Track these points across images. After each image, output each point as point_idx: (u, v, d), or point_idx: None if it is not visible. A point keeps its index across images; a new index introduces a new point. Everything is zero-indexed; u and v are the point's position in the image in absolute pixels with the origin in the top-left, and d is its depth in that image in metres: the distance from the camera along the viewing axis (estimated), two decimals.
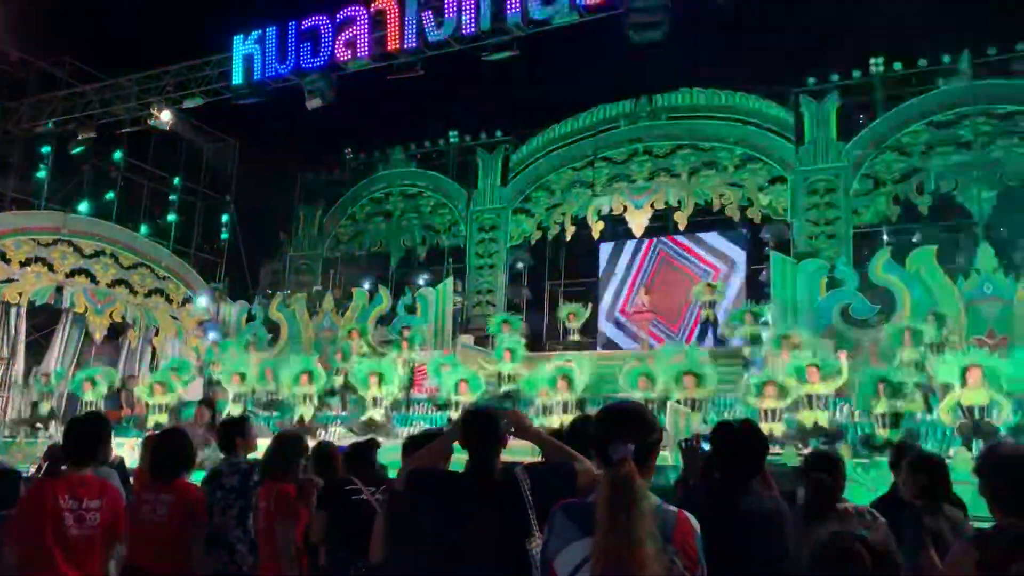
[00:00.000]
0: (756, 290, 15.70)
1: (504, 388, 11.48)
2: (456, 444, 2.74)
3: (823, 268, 13.65)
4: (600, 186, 16.81)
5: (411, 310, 15.98)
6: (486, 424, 2.66)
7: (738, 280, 16.44)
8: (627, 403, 2.22)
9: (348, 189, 19.84)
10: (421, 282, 17.84)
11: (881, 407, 8.91)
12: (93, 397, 12.50)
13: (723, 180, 15.96)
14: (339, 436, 11.08)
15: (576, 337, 14.36)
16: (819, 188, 14.95)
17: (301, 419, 11.47)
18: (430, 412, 12.99)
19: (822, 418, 9.33)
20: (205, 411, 9.56)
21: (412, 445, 3.42)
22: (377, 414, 11.17)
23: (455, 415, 10.86)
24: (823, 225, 14.80)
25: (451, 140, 18.74)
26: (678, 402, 9.71)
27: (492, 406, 2.90)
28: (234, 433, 4.24)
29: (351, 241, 19.60)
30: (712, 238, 16.77)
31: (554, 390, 10.45)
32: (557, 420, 9.85)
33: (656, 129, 16.59)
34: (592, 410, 8.92)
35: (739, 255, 16.58)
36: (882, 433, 8.75)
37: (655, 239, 17.18)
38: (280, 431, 4.11)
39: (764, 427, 9.08)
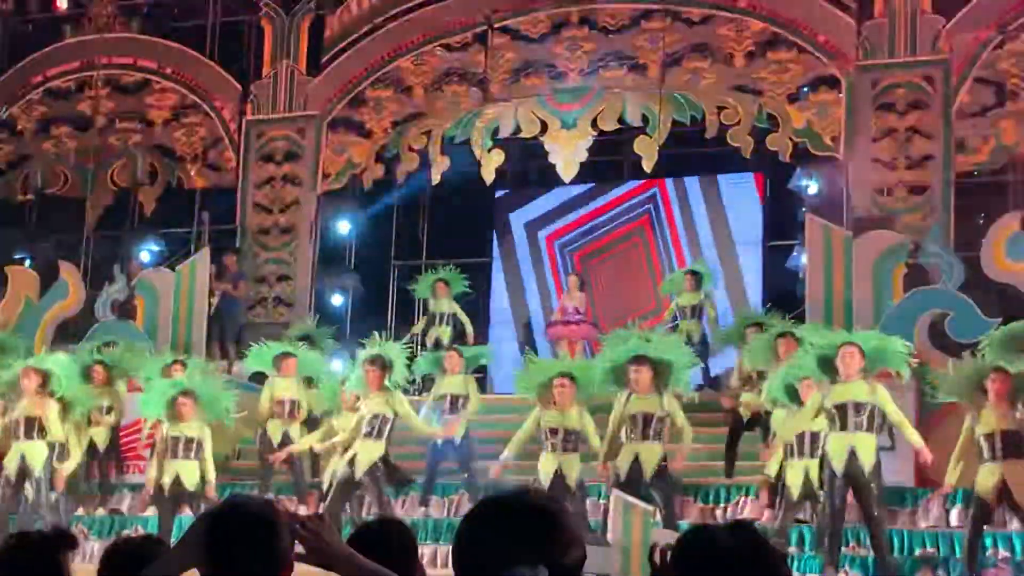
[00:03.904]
0: (778, 285, 16.22)
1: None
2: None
3: (901, 248, 14.02)
4: (498, 84, 16.88)
5: (124, 311, 16.04)
6: (251, 535, 2.88)
7: (746, 265, 17.18)
8: (524, 494, 2.50)
9: None
10: (145, 257, 17.69)
11: None
12: None
13: (725, 80, 16.23)
14: None
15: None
16: (897, 100, 15.34)
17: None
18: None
19: None
20: None
21: (113, 568, 3.74)
22: None
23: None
24: (902, 169, 15.19)
25: None
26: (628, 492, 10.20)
27: (262, 501, 3.13)
28: None
29: (3, 174, 19.45)
30: (699, 188, 17.41)
31: None
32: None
33: None
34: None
35: (750, 221, 17.16)
36: None
37: (598, 186, 17.66)
38: None
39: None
